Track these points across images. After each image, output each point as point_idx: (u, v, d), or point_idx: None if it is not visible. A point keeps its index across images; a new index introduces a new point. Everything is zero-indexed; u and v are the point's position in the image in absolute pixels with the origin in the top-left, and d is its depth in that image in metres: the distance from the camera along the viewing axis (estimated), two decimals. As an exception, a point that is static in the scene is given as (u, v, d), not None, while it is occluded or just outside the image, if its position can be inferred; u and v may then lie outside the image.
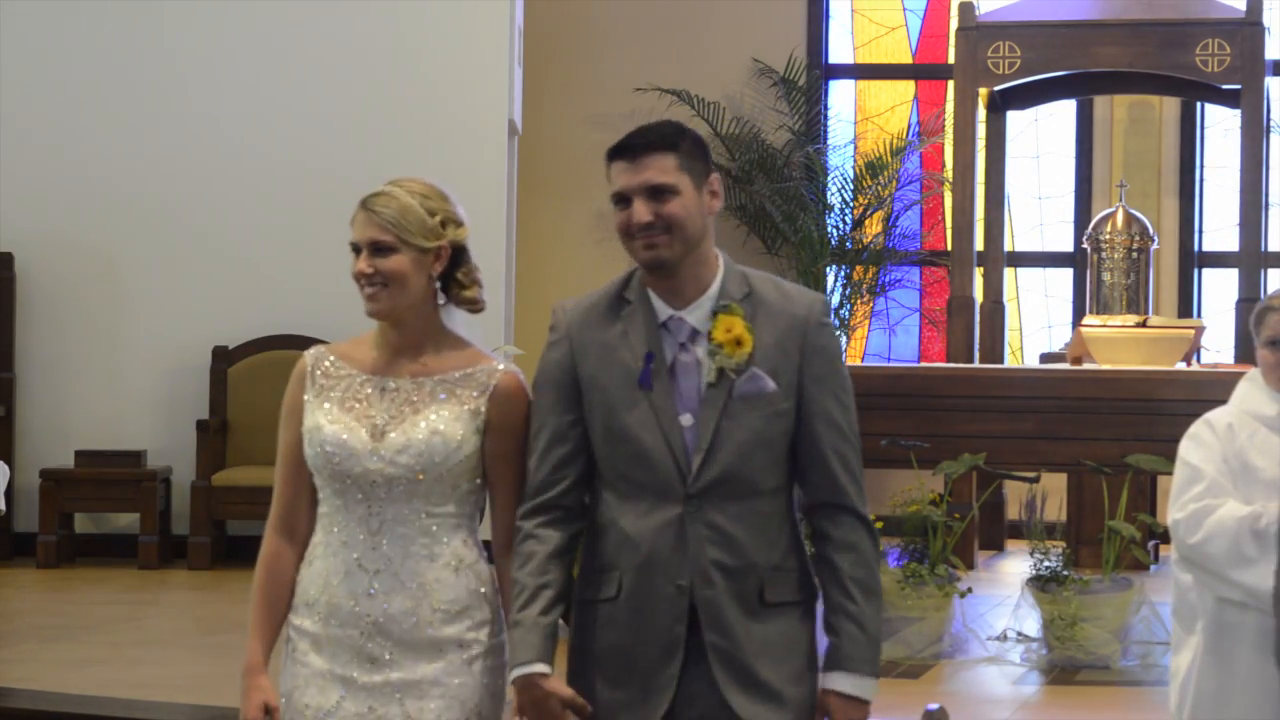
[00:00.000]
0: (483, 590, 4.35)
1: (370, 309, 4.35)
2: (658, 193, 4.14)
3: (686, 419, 4.15)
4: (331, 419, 4.31)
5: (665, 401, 4.16)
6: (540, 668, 4.15)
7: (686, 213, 4.15)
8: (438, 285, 4.40)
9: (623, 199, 4.17)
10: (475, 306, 4.44)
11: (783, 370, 4.15)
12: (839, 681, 4.14)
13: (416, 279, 4.33)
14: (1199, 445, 5.03)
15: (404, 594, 4.27)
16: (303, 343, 4.54)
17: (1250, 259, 11.99)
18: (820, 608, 4.27)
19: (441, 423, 4.31)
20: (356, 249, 4.33)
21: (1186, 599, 5.03)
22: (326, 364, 4.40)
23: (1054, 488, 10.58)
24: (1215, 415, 5.09)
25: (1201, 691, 4.96)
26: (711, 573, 4.12)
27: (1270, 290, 10.47)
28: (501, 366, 4.38)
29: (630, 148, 4.18)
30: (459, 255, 4.41)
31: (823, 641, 4.25)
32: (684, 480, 4.13)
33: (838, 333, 4.35)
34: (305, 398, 4.37)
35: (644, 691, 4.16)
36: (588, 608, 4.23)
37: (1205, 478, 4.96)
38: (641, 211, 4.13)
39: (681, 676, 4.14)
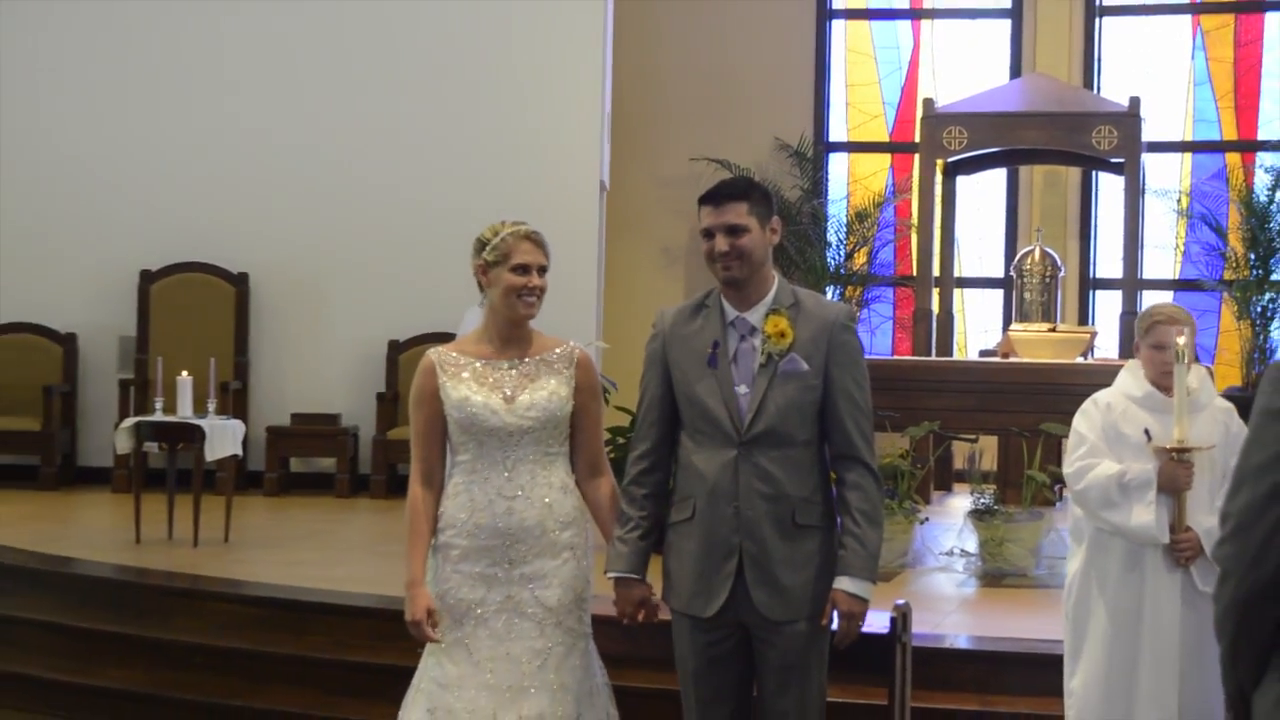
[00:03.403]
0: (580, 506, 4.36)
1: (530, 314, 4.32)
2: (733, 230, 4.12)
3: (743, 389, 4.12)
4: (473, 391, 4.27)
5: (726, 376, 4.13)
6: (631, 575, 4.24)
7: (753, 245, 4.13)
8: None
9: (709, 233, 4.16)
10: None
11: (814, 357, 4.12)
12: (844, 583, 4.09)
13: None
14: (1085, 417, 5.01)
15: (534, 511, 4.26)
16: (452, 339, 4.63)
17: (1130, 283, 11.95)
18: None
19: (553, 388, 4.29)
20: (526, 270, 4.29)
21: (1078, 523, 5.03)
22: (450, 358, 4.32)
23: (988, 446, 10.62)
24: (1100, 395, 5.06)
25: (1084, 589, 4.99)
26: (756, 499, 4.08)
27: (1144, 306, 10.48)
28: (577, 345, 4.39)
29: (715, 196, 4.18)
30: None
31: None
32: (738, 432, 4.10)
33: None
34: (440, 381, 4.29)
35: (709, 585, 4.14)
36: (674, 529, 4.22)
37: (1087, 442, 4.94)
38: (721, 243, 4.12)
39: (737, 575, 4.11)
